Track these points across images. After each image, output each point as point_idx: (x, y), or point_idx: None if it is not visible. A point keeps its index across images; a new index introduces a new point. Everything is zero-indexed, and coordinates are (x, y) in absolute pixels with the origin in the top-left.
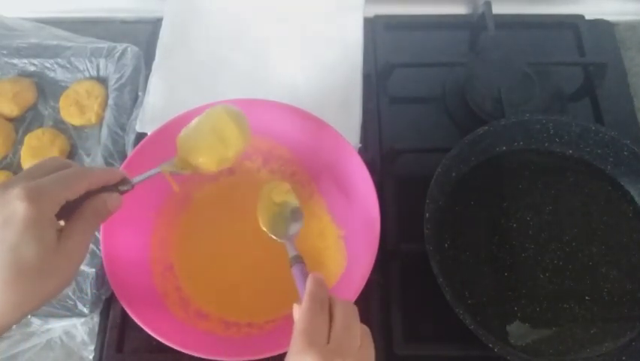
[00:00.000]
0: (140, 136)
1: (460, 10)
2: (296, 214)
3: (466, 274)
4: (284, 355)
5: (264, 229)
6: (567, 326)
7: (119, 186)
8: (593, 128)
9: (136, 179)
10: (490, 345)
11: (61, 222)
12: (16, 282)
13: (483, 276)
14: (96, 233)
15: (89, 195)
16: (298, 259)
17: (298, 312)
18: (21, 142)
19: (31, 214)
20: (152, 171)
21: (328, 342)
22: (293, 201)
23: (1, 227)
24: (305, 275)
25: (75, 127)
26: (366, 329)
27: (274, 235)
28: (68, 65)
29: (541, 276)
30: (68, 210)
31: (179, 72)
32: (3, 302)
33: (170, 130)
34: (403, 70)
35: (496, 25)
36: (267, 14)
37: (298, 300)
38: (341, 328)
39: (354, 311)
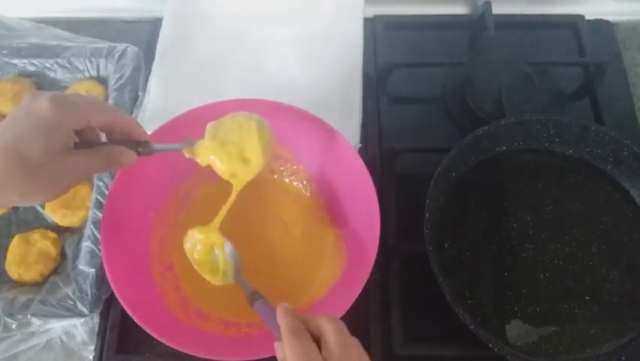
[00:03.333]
0: None
1: (460, 10)
2: (232, 251)
3: (466, 274)
4: None
5: (216, 282)
6: (567, 326)
7: (140, 147)
8: (593, 128)
9: (157, 147)
10: (490, 345)
11: (75, 140)
12: (13, 164)
13: (483, 276)
14: (96, 233)
15: (110, 140)
16: (257, 295)
17: (281, 350)
18: None
19: (50, 115)
20: (174, 147)
21: None
22: (219, 239)
23: (21, 117)
24: (270, 309)
25: None
26: (355, 340)
27: (227, 281)
28: (68, 65)
29: (541, 276)
30: (87, 144)
31: (179, 72)
32: None
33: (170, 130)
34: (403, 70)
35: (496, 25)
36: (267, 14)
37: (278, 334)
38: (336, 345)
39: (344, 326)
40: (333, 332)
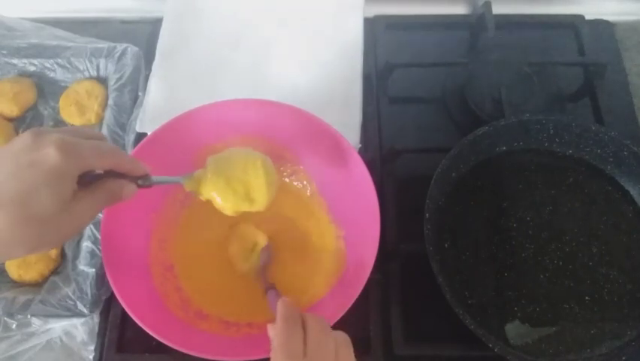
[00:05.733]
0: (140, 136)
1: (460, 10)
2: (265, 250)
3: (466, 274)
4: None
5: (242, 272)
6: (567, 326)
7: (140, 180)
8: (593, 128)
9: (156, 179)
10: (490, 345)
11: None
12: (23, 223)
13: (483, 276)
14: (96, 233)
15: (108, 175)
16: (271, 286)
17: (272, 331)
18: None
19: (60, 165)
20: (172, 180)
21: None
22: (261, 240)
23: (26, 166)
24: (278, 298)
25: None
26: (346, 338)
27: (250, 273)
28: (68, 65)
29: (541, 276)
30: (85, 181)
31: (179, 72)
32: (5, 238)
33: (170, 130)
34: (403, 70)
35: (496, 25)
36: (267, 14)
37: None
38: (314, 341)
39: (325, 324)
40: (311, 327)
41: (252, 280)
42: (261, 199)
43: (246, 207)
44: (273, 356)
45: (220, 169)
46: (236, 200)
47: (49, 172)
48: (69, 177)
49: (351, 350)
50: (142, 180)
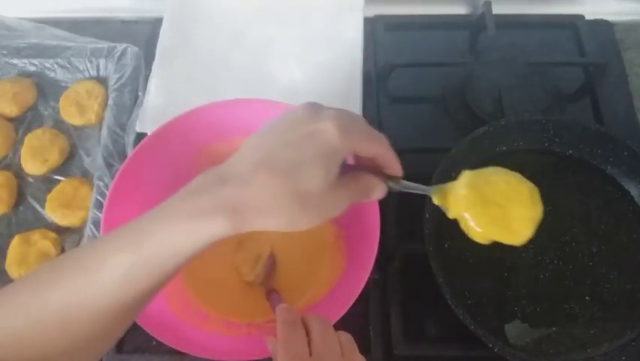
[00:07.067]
0: (140, 136)
1: (460, 10)
2: (269, 258)
3: (466, 274)
4: None
5: (248, 281)
6: (567, 326)
7: (391, 181)
8: (593, 128)
9: (405, 184)
10: (490, 345)
11: None
12: (289, 194)
13: (483, 276)
14: (96, 233)
15: (359, 169)
16: (273, 289)
17: (271, 345)
18: (21, 142)
19: (335, 141)
20: (423, 189)
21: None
22: (265, 250)
23: (304, 136)
24: (280, 301)
25: (75, 127)
26: (349, 337)
27: (256, 281)
28: (68, 65)
29: (541, 276)
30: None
31: (179, 72)
32: (267, 206)
33: (170, 130)
34: (403, 70)
35: (496, 25)
36: (267, 14)
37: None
38: (319, 340)
39: (327, 324)
40: (315, 327)
41: (256, 286)
42: (523, 233)
43: (502, 238)
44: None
45: (476, 186)
46: (493, 227)
47: (324, 146)
48: (340, 156)
49: (356, 347)
50: (393, 182)
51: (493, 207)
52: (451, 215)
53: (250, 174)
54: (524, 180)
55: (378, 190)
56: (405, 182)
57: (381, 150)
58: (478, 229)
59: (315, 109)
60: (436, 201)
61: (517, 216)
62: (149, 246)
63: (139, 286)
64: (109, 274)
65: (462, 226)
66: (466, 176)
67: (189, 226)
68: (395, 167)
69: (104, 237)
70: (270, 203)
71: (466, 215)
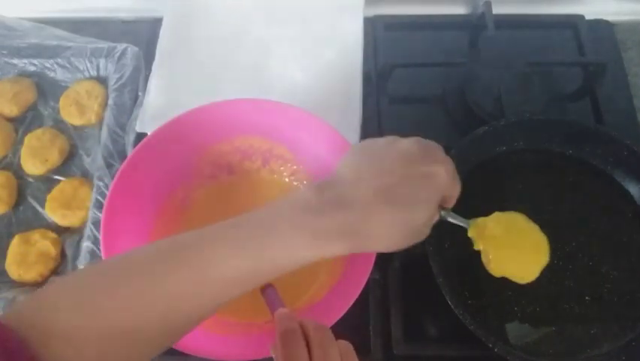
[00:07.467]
0: (140, 136)
1: (460, 10)
2: None
3: (466, 274)
4: None
5: None
6: (567, 326)
7: (443, 210)
8: (593, 128)
9: (451, 215)
10: (490, 345)
11: None
12: (400, 225)
13: (483, 276)
14: (96, 233)
15: None
16: (269, 284)
17: (275, 351)
18: (21, 142)
19: (444, 186)
20: (463, 221)
21: None
22: None
23: (420, 177)
24: (277, 298)
25: (75, 127)
26: (348, 345)
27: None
28: (68, 65)
29: (541, 276)
30: None
31: (179, 72)
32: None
33: (170, 130)
34: (403, 70)
35: (496, 25)
36: (267, 14)
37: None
38: (320, 352)
39: (328, 333)
40: (314, 335)
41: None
42: (527, 278)
43: (513, 277)
44: None
45: (506, 230)
46: (507, 266)
47: (437, 190)
48: (437, 201)
49: (356, 356)
50: (445, 212)
51: (515, 251)
52: (476, 246)
53: (372, 206)
54: (539, 230)
55: (436, 218)
56: (451, 213)
57: (455, 193)
58: (494, 263)
59: (426, 148)
60: (470, 233)
61: (530, 261)
62: (269, 255)
63: (242, 289)
64: (220, 275)
65: (483, 259)
66: (496, 217)
67: (314, 245)
68: (454, 202)
69: (205, 233)
70: (386, 232)
71: (491, 255)
